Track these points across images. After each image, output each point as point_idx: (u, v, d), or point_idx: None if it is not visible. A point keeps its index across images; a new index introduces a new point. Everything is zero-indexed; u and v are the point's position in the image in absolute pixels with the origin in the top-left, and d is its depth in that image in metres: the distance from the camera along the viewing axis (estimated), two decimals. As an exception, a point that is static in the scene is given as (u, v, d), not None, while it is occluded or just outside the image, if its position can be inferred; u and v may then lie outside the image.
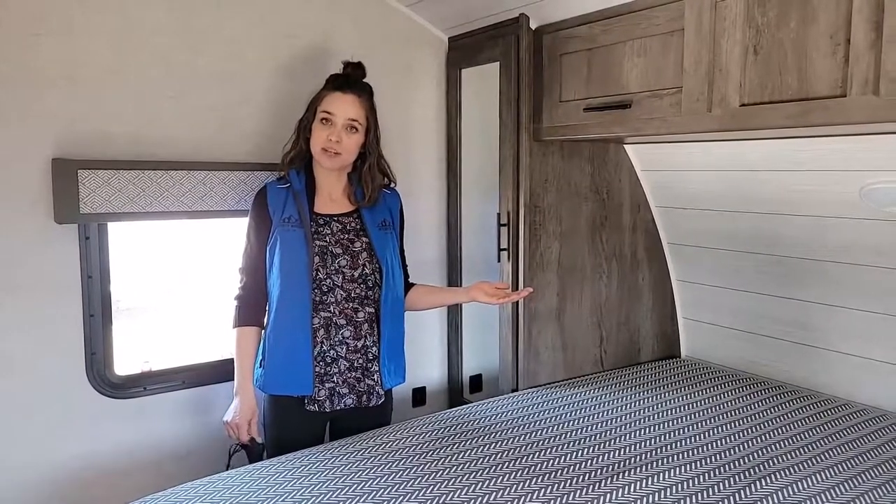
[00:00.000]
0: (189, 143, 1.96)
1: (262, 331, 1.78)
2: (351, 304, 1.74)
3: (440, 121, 2.44)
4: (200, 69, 1.96)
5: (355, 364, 1.75)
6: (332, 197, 1.80)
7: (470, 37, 2.31)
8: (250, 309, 1.77)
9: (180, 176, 1.89)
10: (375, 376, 1.77)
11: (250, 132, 2.05)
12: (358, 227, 1.78)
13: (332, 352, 1.73)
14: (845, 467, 1.57)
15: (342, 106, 1.71)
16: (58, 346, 1.83)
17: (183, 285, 2.24)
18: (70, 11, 1.77)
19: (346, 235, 1.76)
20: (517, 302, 2.17)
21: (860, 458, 1.62)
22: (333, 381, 1.73)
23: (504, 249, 2.19)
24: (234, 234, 2.14)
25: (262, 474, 1.54)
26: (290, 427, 1.75)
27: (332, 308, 1.73)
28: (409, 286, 1.92)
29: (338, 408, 1.74)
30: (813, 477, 1.52)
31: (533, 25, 2.06)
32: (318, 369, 1.72)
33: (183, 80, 1.94)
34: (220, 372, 2.06)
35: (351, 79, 1.77)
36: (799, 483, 1.49)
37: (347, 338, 1.74)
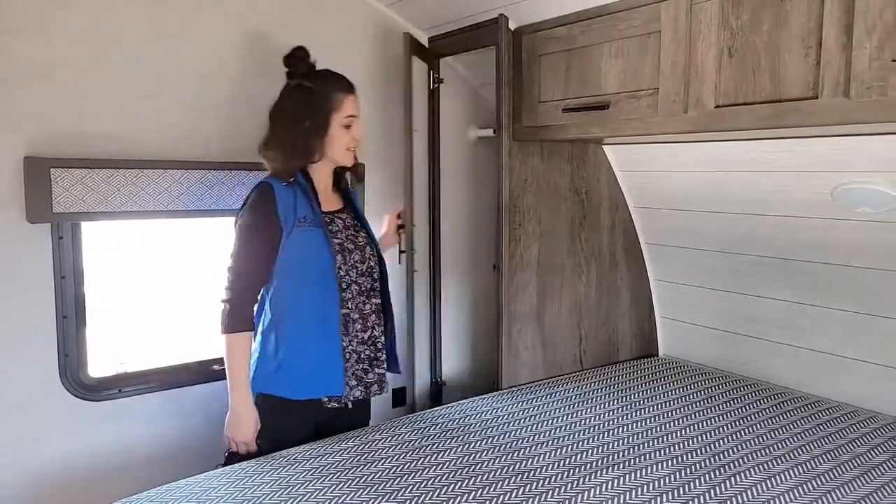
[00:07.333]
0: (164, 142, 1.94)
1: (254, 335, 1.72)
2: (361, 298, 1.76)
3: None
4: (175, 68, 1.94)
5: (362, 356, 1.76)
6: (327, 195, 1.80)
7: (450, 36, 2.31)
8: (246, 313, 1.68)
9: (156, 175, 1.87)
10: (383, 366, 1.80)
11: (226, 131, 2.03)
12: (355, 221, 1.81)
13: (349, 347, 1.74)
14: (818, 463, 1.60)
15: (356, 107, 1.75)
16: (30, 348, 1.80)
17: (159, 286, 2.21)
18: (44, 10, 1.74)
19: (349, 231, 1.77)
20: (499, 302, 2.17)
21: (832, 454, 1.65)
22: (347, 376, 1.74)
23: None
24: (209, 233, 2.13)
25: (240, 476, 1.52)
26: (286, 430, 1.72)
27: (349, 304, 1.74)
28: None
29: (351, 400, 1.75)
30: (786, 473, 1.54)
31: (512, 26, 2.06)
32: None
33: (158, 79, 1.92)
34: (198, 373, 2.04)
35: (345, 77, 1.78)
36: (773, 479, 1.51)
37: (359, 330, 1.75)
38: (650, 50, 1.68)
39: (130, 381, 1.98)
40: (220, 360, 2.04)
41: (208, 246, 2.13)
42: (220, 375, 2.01)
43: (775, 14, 1.42)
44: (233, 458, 1.68)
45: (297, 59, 1.72)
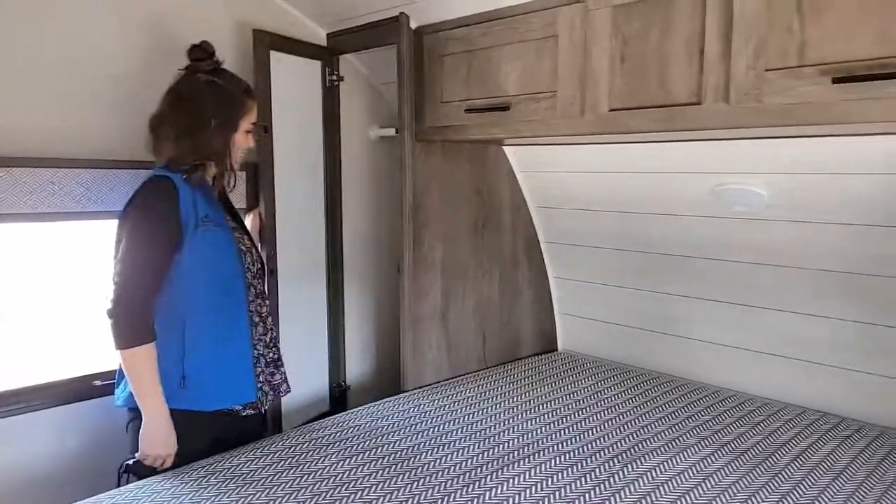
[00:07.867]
0: (29, 136, 1.75)
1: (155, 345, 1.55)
2: (259, 300, 1.71)
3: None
4: (42, 57, 1.76)
5: (269, 358, 1.71)
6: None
7: (349, 33, 2.26)
8: (145, 322, 1.51)
9: (23, 174, 1.69)
10: (284, 367, 1.76)
11: (98, 126, 1.86)
12: (239, 224, 1.76)
13: (256, 351, 1.68)
14: (705, 445, 1.70)
15: (256, 113, 1.70)
16: None
17: (31, 295, 1.99)
18: None
19: (237, 233, 1.71)
20: (402, 304, 2.15)
21: (718, 436, 1.76)
22: (260, 381, 1.68)
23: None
24: (88, 238, 1.95)
25: (148, 493, 1.42)
26: (194, 443, 1.59)
27: (250, 307, 1.67)
28: None
29: (266, 406, 1.71)
30: (679, 456, 1.63)
31: (413, 25, 2.05)
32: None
33: (22, 68, 1.73)
34: (77, 390, 1.87)
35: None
36: (666, 463, 1.60)
37: (261, 334, 1.70)
38: (548, 54, 1.73)
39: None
40: (101, 375, 1.90)
41: (87, 251, 1.96)
42: (103, 391, 1.86)
43: (663, 22, 1.50)
44: (138, 467, 1.54)
45: (207, 54, 1.63)
